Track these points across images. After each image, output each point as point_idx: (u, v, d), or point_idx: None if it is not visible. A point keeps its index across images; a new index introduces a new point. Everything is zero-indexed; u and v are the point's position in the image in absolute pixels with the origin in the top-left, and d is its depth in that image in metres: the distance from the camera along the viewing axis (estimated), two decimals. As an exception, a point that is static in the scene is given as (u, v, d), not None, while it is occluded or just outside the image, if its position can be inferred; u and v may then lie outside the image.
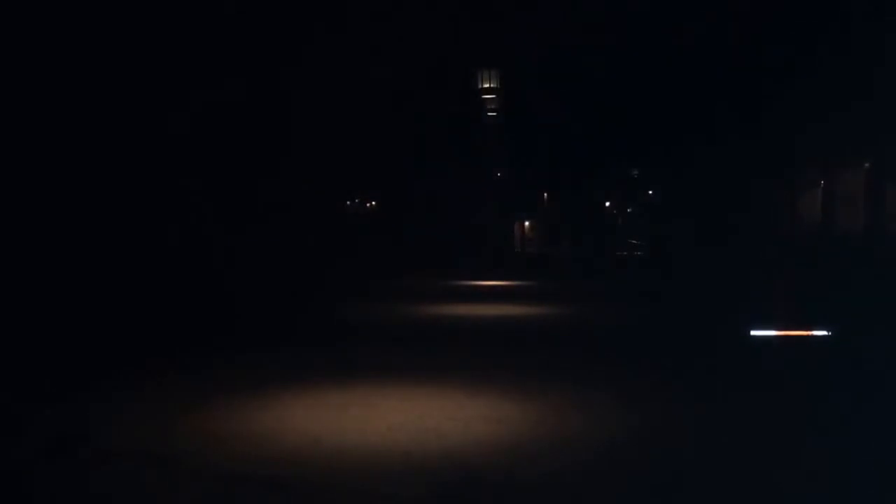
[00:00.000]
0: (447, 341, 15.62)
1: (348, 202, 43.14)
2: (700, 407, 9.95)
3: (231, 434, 8.57)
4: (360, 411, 9.56)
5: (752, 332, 14.93)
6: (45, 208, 18.74)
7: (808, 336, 14.84)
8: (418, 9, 34.42)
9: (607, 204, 62.05)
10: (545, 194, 59.62)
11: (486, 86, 51.40)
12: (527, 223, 62.45)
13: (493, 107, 51.92)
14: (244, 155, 27.39)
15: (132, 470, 7.45)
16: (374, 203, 46.11)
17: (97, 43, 19.83)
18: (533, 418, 9.22)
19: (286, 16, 27.98)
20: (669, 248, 37.27)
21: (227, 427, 8.85)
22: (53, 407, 9.84)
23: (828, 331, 14.80)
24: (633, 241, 51.46)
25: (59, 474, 7.38)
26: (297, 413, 9.49)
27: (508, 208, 55.06)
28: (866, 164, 24.57)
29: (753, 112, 27.82)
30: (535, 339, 15.89)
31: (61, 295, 17.44)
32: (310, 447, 8.08)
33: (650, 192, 54.29)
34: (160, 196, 23.12)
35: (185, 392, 10.66)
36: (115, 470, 7.46)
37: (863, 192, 24.53)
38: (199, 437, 8.45)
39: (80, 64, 19.46)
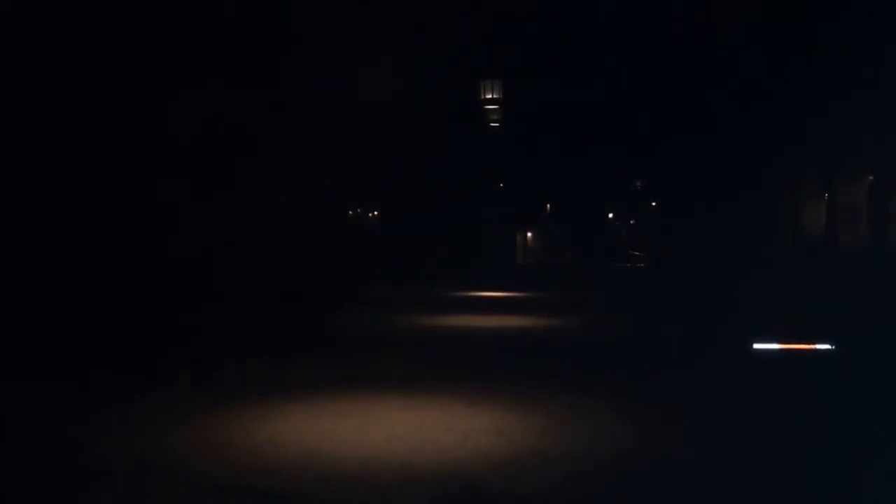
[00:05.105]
0: (448, 352, 15.55)
1: (350, 212, 43.15)
2: (701, 420, 9.87)
3: (230, 443, 8.50)
4: (359, 421, 9.49)
5: (755, 346, 14.83)
6: (44, 209, 18.75)
7: (811, 349, 14.74)
8: (422, 20, 34.48)
9: (610, 215, 62.07)
10: (548, 205, 59.62)
11: (489, 96, 51.48)
12: (529, 234, 62.44)
13: (495, 117, 51.99)
14: (246, 162, 27.40)
15: (129, 479, 7.38)
16: (376, 213, 46.13)
17: (97, 45, 19.85)
18: (533, 430, 9.14)
19: (291, 26, 28.05)
20: (672, 259, 37.18)
21: (225, 436, 8.79)
22: (52, 414, 9.79)
23: (831, 344, 14.70)
24: (636, 253, 51.42)
25: (57, 482, 7.32)
26: (296, 422, 9.42)
27: (511, 219, 55.02)
28: (870, 177, 24.52)
29: (756, 124, 27.79)
30: (535, 351, 15.81)
31: (63, 298, 17.42)
32: (308, 457, 8.01)
33: (653, 203, 54.27)
34: (163, 201, 23.14)
35: (185, 400, 10.58)
36: (112, 479, 7.39)
37: (866, 204, 24.48)
38: (198, 446, 8.38)
39: (79, 66, 19.48)
